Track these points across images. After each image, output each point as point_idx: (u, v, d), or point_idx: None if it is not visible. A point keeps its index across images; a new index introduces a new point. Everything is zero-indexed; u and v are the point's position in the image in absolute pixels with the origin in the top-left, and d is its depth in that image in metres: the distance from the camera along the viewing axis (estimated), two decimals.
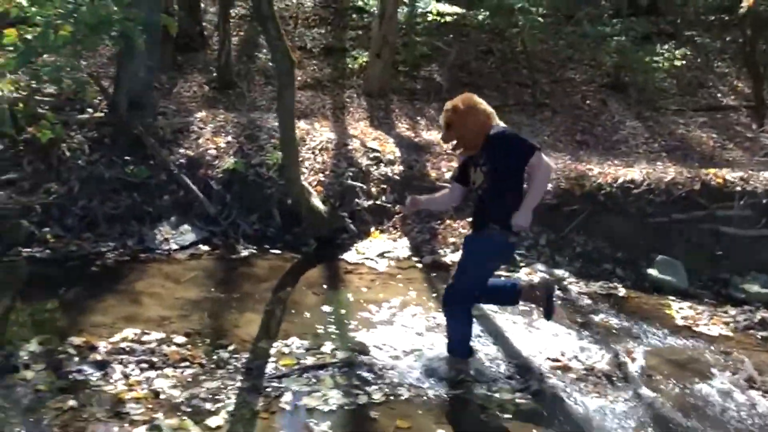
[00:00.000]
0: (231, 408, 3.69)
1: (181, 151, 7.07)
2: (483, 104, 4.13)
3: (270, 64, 12.23)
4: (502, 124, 4.15)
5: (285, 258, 6.26)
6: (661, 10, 14.51)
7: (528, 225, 4.00)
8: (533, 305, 5.08)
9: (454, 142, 4.16)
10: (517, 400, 3.99)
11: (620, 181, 6.85)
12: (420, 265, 6.36)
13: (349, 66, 12.20)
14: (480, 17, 11.47)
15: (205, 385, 3.90)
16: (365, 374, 4.17)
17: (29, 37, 4.90)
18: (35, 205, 6.06)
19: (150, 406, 3.65)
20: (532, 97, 11.64)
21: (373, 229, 7.03)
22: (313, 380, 4.05)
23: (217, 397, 3.79)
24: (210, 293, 5.32)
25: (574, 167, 7.31)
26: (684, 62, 11.71)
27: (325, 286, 5.68)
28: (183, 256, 6.07)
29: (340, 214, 6.74)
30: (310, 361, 4.28)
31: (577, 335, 5.01)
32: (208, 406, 3.69)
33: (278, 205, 6.81)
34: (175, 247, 6.17)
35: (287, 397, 3.84)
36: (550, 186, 7.00)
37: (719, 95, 12.45)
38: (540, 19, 11.03)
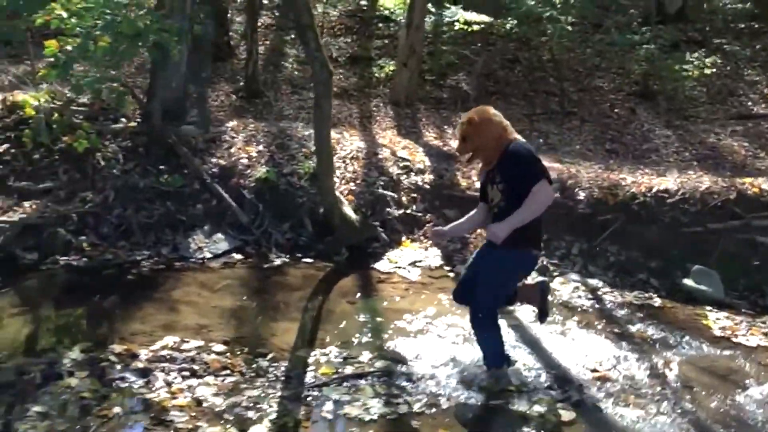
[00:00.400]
0: (273, 416, 3.70)
1: (214, 160, 7.13)
2: (498, 116, 4.08)
3: (296, 73, 12.36)
4: (519, 138, 4.09)
5: (317, 267, 6.28)
6: (689, 18, 14.41)
7: (499, 240, 3.88)
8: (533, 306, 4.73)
9: (470, 154, 4.14)
10: (559, 411, 3.96)
11: (654, 190, 6.80)
12: (452, 275, 6.34)
13: (376, 75, 12.24)
14: (507, 26, 11.44)
15: (247, 393, 3.92)
16: (404, 384, 4.16)
17: (69, 48, 4.96)
18: (71, 214, 6.12)
19: (193, 414, 3.67)
20: (560, 106, 11.59)
21: (404, 238, 7.03)
22: (353, 389, 4.05)
23: (258, 405, 3.80)
24: (245, 302, 5.35)
25: (606, 176, 7.27)
26: (714, 70, 11.61)
27: (358, 295, 5.68)
28: (217, 264, 6.11)
29: (372, 224, 6.76)
30: (348, 370, 4.29)
31: (614, 345, 4.97)
32: (250, 414, 3.71)
33: (310, 214, 6.83)
34: (208, 255, 6.21)
35: (328, 406, 3.85)
36: (582, 195, 7.00)
37: (750, 103, 12.31)
38: (569, 27, 10.97)
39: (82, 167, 6.62)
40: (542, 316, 4.43)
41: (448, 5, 12.23)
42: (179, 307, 5.09)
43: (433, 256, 6.71)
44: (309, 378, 4.17)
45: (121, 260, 5.90)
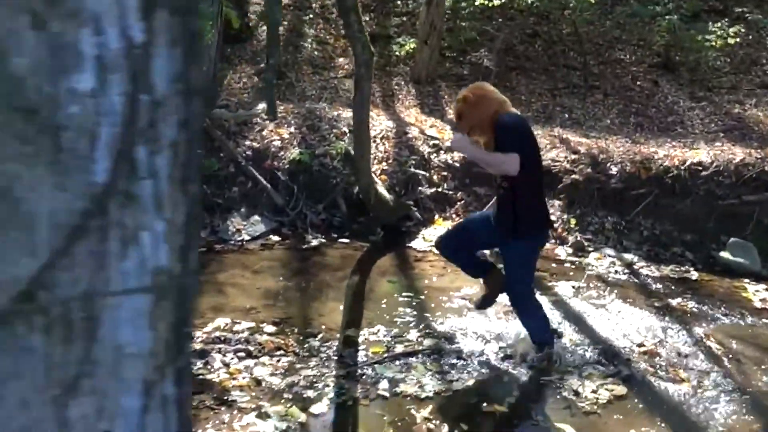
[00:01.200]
0: (331, 395, 3.77)
1: (247, 143, 7.17)
2: (495, 93, 4.03)
3: (316, 53, 12.34)
4: (515, 111, 4.07)
5: (354, 247, 6.33)
6: None
7: (453, 147, 3.99)
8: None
9: (469, 131, 4.04)
10: (610, 386, 4.01)
11: (688, 163, 6.79)
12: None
13: (396, 53, 12.20)
14: (529, 0, 11.35)
15: (302, 372, 3.99)
16: (454, 361, 4.22)
17: None
18: None
19: (254, 393, 3.75)
20: (583, 80, 11.54)
21: (436, 216, 7.07)
22: (405, 367, 4.11)
23: (316, 384, 3.87)
24: (289, 283, 5.41)
25: (638, 150, 7.26)
26: (737, 40, 11.50)
27: (398, 275, 5.74)
28: (255, 246, 6.17)
29: (406, 203, 6.80)
30: (398, 348, 4.35)
31: (657, 319, 5.01)
32: (309, 393, 3.78)
33: (343, 194, 6.87)
34: (247, 237, 6.28)
35: (384, 384, 3.91)
36: (615, 170, 7.00)
37: None
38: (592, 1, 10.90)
39: None
40: (486, 304, 4.49)
41: None
42: (226, 289, 5.16)
43: None
44: (361, 357, 4.24)
45: None
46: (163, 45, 0.60)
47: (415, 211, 6.86)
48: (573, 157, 7.43)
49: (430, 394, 3.83)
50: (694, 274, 6.02)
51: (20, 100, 0.56)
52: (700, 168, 6.76)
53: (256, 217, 6.48)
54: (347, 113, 8.19)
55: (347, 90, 11.05)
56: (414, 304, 5.12)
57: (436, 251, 4.71)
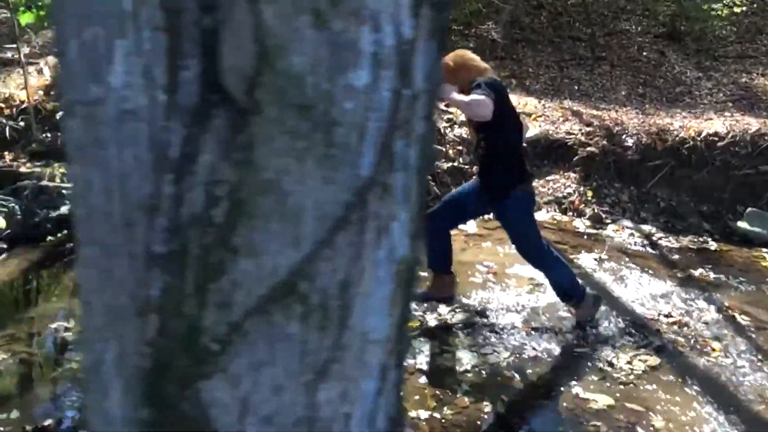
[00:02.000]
0: None
1: None
2: (475, 60, 3.98)
3: None
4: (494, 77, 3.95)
5: None
6: None
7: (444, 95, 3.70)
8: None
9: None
10: (643, 357, 4.06)
11: (704, 134, 6.81)
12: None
13: None
14: None
15: None
16: (488, 334, 4.27)
17: None
18: None
19: None
20: (590, 52, 11.51)
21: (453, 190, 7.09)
22: (441, 342, 4.16)
23: None
24: None
25: (653, 122, 7.28)
26: (743, 8, 11.49)
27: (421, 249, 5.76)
28: None
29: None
30: (432, 323, 4.39)
31: (681, 290, 5.06)
32: None
33: None
34: None
35: (421, 358, 3.96)
36: (630, 141, 7.02)
37: None
38: None
39: None
40: (423, 297, 4.50)
41: None
42: None
43: None
44: None
45: None
46: (424, 40, 0.62)
47: (433, 186, 6.87)
48: (587, 129, 7.44)
49: (468, 368, 3.88)
50: (713, 245, 6.08)
51: (297, 96, 0.58)
52: (716, 139, 6.79)
53: None
54: None
55: None
56: None
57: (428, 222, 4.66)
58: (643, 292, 4.99)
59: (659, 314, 4.62)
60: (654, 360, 4.04)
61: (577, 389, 3.75)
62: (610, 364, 3.98)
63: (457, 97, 3.78)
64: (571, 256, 5.66)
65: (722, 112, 8.98)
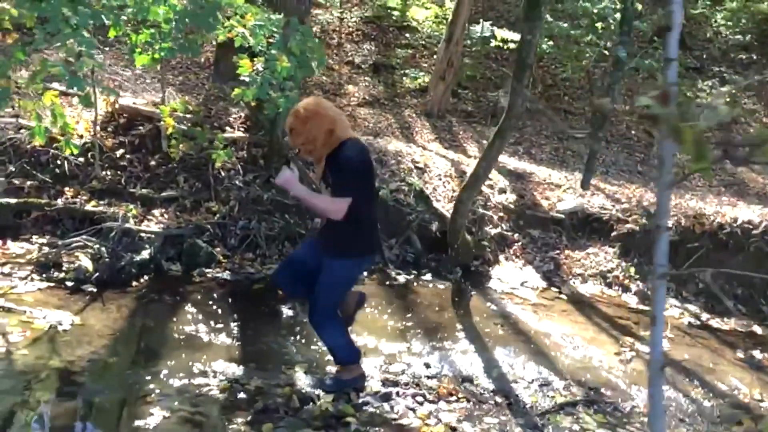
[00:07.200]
0: None
1: None
2: (329, 110, 3.85)
3: (324, 78, 12.41)
4: (353, 136, 3.89)
5: (440, 285, 6.47)
6: (687, 45, 15.18)
7: (279, 183, 3.85)
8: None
9: (300, 147, 3.90)
10: None
11: (740, 221, 7.28)
12: (564, 297, 6.66)
13: (407, 85, 12.43)
14: (543, 46, 11.81)
15: (486, 420, 4.11)
16: (617, 413, 4.44)
17: (260, 68, 5.00)
18: (206, 225, 6.10)
19: None
20: (584, 126, 12.07)
21: (500, 256, 7.29)
22: (575, 418, 4.29)
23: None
24: (404, 320, 5.49)
25: (687, 205, 7.73)
26: (728, 99, 12.31)
27: (501, 318, 5.88)
28: None
29: (483, 244, 7.00)
30: (558, 398, 4.52)
31: (752, 374, 5.39)
32: None
33: (417, 230, 7.01)
34: None
35: None
36: (670, 222, 7.41)
37: (751, 131, 13.11)
38: (606, 51, 11.47)
39: (201, 176, 6.59)
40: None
41: (479, 23, 12.53)
42: (351, 327, 5.18)
43: (533, 277, 7.02)
44: (527, 404, 4.38)
45: (262, 274, 5.92)
46: None
47: (489, 252, 7.06)
48: (624, 206, 7.83)
49: None
50: (758, 329, 6.47)
51: None
52: (751, 226, 7.27)
53: None
54: (407, 148, 8.36)
55: (363, 118, 11.21)
56: (536, 350, 5.31)
57: (275, 286, 4.64)
58: (721, 374, 5.28)
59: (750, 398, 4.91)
60: None
61: None
62: None
63: (305, 196, 3.76)
64: (642, 334, 5.92)
65: (720, 196, 9.63)
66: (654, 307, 1.47)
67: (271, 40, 5.35)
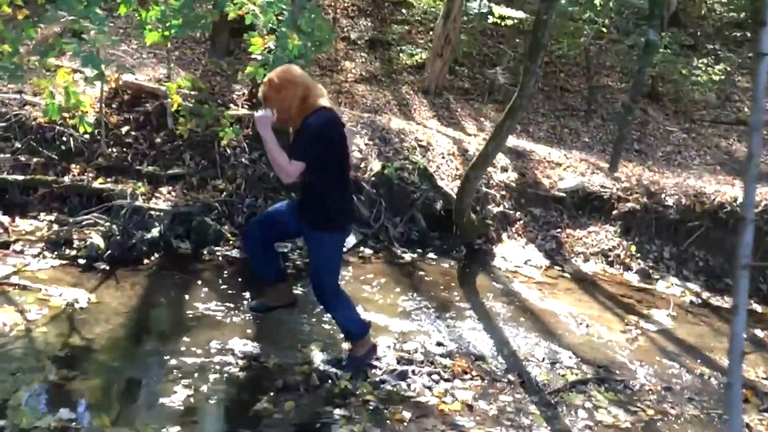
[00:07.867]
0: (544, 424, 3.98)
1: None
2: (302, 78, 3.85)
3: (320, 55, 12.32)
4: (326, 105, 3.87)
5: (446, 264, 6.52)
6: (681, 23, 15.20)
7: (256, 121, 3.81)
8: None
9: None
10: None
11: (739, 200, 7.36)
12: (567, 275, 6.73)
13: (404, 61, 12.38)
14: None
15: (501, 398, 4.18)
16: (627, 390, 4.52)
17: (272, 45, 4.98)
18: (214, 203, 6.10)
19: (473, 418, 3.90)
20: (580, 103, 12.12)
21: (503, 234, 7.35)
22: (588, 396, 4.37)
23: (521, 410, 4.07)
24: (412, 299, 5.53)
25: (688, 185, 7.82)
26: (722, 77, 12.40)
27: (507, 297, 5.95)
28: (353, 259, 6.24)
29: (487, 222, 7.04)
30: (569, 376, 4.60)
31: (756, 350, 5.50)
32: (524, 420, 3.97)
33: (422, 209, 7.04)
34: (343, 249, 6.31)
35: (582, 413, 4.16)
36: (671, 201, 7.50)
37: (745, 109, 13.20)
38: (604, 29, 11.48)
39: (207, 154, 6.58)
40: (261, 308, 4.52)
41: None
42: (361, 305, 5.22)
43: (536, 255, 7.09)
44: (540, 382, 4.45)
45: None
46: None
47: (492, 230, 7.12)
48: (624, 185, 7.89)
49: (628, 425, 4.11)
50: (758, 307, 6.58)
51: None
52: None
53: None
54: (409, 126, 8.37)
55: (360, 95, 11.18)
56: (544, 328, 5.38)
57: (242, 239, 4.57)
58: (725, 351, 5.38)
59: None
60: None
61: None
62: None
63: (269, 146, 3.72)
64: (646, 312, 6.02)
65: (715, 175, 9.73)
66: (735, 296, 1.52)
67: (280, 18, 5.32)
